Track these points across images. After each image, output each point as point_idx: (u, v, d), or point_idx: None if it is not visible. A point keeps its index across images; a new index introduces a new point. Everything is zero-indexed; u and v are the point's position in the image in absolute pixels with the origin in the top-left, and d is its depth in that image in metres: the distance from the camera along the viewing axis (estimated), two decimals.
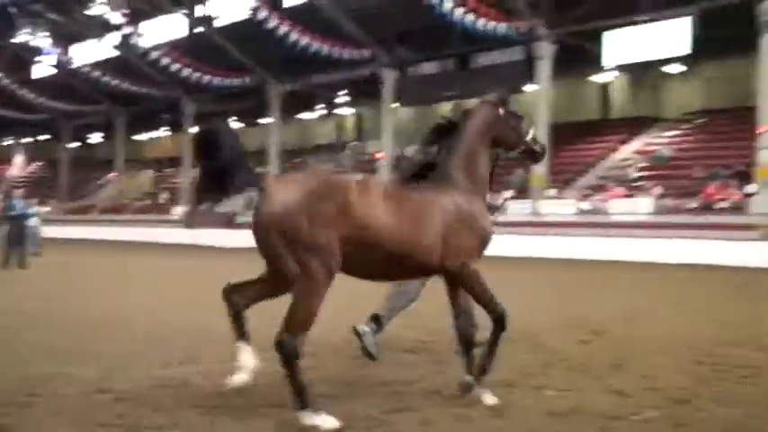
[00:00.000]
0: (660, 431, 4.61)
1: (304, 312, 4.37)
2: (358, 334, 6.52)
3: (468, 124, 5.33)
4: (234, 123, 49.71)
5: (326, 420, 4.38)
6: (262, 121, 44.31)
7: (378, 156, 37.72)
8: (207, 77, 37.79)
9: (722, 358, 6.77)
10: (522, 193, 30.70)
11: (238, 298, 4.84)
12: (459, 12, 27.74)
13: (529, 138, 5.58)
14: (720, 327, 8.75)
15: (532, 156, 5.67)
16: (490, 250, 5.15)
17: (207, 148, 4.47)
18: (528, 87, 33.77)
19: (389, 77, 36.34)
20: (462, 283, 5.04)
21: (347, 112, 46.83)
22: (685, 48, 27.67)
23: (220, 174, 4.43)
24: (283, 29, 31.55)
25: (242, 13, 34.69)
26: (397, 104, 38.08)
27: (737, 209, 23.75)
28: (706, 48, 27.86)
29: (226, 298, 4.86)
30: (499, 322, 5.07)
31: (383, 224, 4.57)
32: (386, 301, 6.75)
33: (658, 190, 26.35)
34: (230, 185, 4.42)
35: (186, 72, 37.53)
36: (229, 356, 5.15)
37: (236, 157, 4.46)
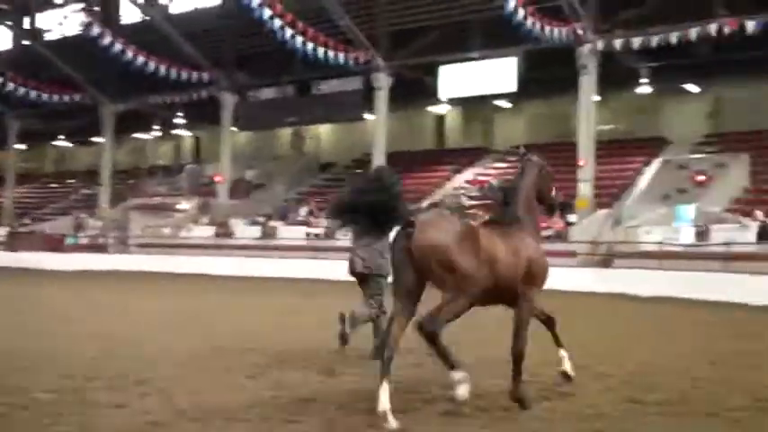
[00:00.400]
0: None
1: (449, 314, 5.41)
2: (343, 320, 7.98)
3: (527, 178, 6.51)
4: (62, 141, 47.57)
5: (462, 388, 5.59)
6: (94, 139, 42.59)
7: (216, 179, 37.09)
8: (33, 93, 35.81)
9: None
10: None
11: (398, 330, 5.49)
12: (299, 40, 27.93)
13: (553, 194, 6.80)
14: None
15: (551, 210, 6.95)
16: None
17: (379, 187, 5.52)
18: (367, 116, 34.43)
19: (229, 101, 35.99)
20: (521, 308, 5.83)
21: (185, 133, 45.89)
22: (512, 85, 29.19)
23: (387, 211, 5.36)
24: (118, 46, 30.51)
25: (74, 29, 33.29)
26: (236, 128, 37.72)
27: (559, 237, 25.14)
28: (531, 86, 29.53)
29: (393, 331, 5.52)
30: (517, 359, 5.75)
31: (500, 258, 5.63)
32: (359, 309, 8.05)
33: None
34: (394, 223, 5.43)
35: (10, 86, 35.42)
36: None
37: (400, 198, 5.52)
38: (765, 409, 5.87)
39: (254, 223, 32.76)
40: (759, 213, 22.29)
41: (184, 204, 37.72)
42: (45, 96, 36.27)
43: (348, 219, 5.66)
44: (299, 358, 8.03)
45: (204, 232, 32.72)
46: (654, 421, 5.47)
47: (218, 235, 32.29)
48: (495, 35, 28.52)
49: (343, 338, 8.04)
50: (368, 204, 5.35)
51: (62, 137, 46.84)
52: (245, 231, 31.70)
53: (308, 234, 30.02)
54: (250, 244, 29.98)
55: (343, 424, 5.26)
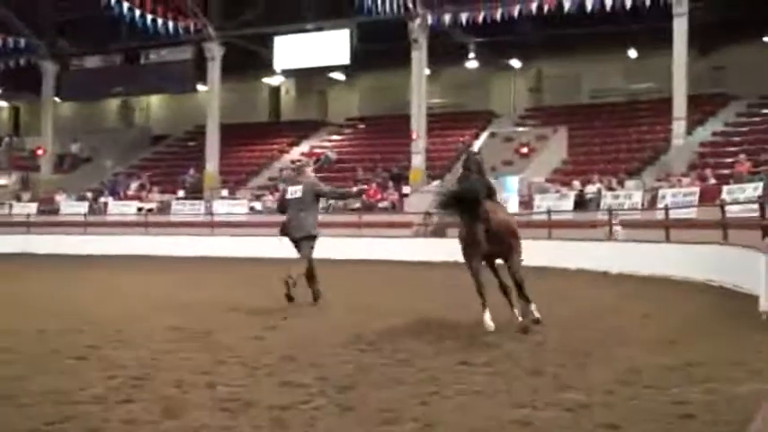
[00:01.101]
0: (328, 417, 4.82)
1: (520, 265, 8.25)
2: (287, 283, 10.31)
3: (482, 167, 8.80)
4: None
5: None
6: None
7: (39, 152, 34.96)
8: None
9: (384, 345, 7.27)
10: (196, 192, 30.42)
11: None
12: (125, 6, 26.69)
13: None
14: (383, 316, 9.34)
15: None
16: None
17: (472, 187, 8.31)
18: (200, 87, 33.51)
19: (50, 69, 33.98)
20: (515, 258, 8.30)
21: (2, 104, 42.92)
22: (346, 57, 29.29)
23: (477, 203, 7.99)
24: None
25: None
26: (59, 99, 35.70)
27: (394, 208, 25.66)
28: (365, 59, 29.75)
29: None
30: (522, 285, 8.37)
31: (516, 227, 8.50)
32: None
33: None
34: (479, 211, 8.00)
35: None
36: None
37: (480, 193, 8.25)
38: (582, 365, 6.23)
39: (82, 198, 31.24)
40: (576, 183, 23.65)
41: (3, 180, 35.44)
42: None
43: (453, 210, 8.32)
44: (133, 337, 7.78)
45: (26, 209, 30.81)
46: (483, 380, 5.65)
47: (41, 212, 30.55)
48: (329, 6, 28.49)
49: (290, 298, 10.34)
50: (468, 200, 8.00)
51: None
52: (71, 207, 30.16)
53: (139, 209, 28.97)
54: (77, 221, 28.57)
55: (181, 401, 5.12)
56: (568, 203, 22.49)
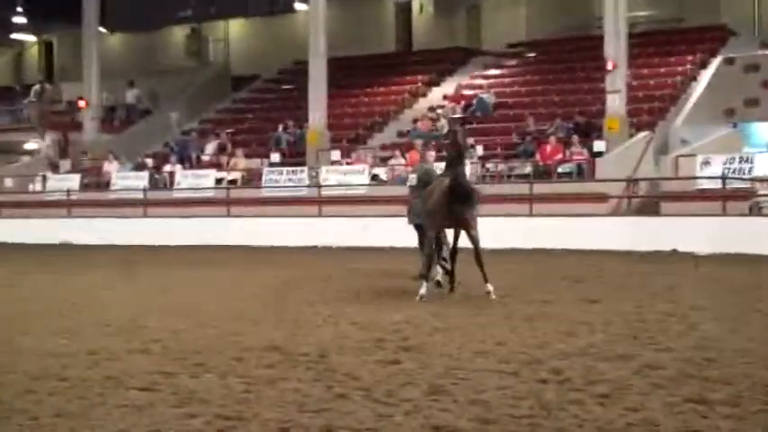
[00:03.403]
0: None
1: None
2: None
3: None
4: None
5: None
6: None
7: (79, 104, 36.41)
8: None
9: (574, 373, 7.22)
10: (296, 156, 30.94)
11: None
12: None
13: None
14: (567, 330, 9.32)
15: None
16: None
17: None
18: (298, 6, 34.00)
19: None
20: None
21: (29, 38, 45.04)
22: None
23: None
24: None
25: None
26: (105, 30, 37.04)
27: (580, 174, 25.27)
28: None
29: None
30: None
31: None
32: None
33: (479, 149, 27.45)
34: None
35: None
36: None
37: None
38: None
39: (140, 167, 32.39)
40: None
41: (33, 143, 37.18)
42: None
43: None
44: (218, 360, 8.04)
45: (65, 183, 32.23)
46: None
47: (86, 187, 31.88)
48: None
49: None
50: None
51: None
52: (125, 180, 31.34)
53: (219, 181, 29.78)
54: (134, 198, 29.66)
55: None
56: None
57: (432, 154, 16.10)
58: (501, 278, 13.34)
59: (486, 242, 12.89)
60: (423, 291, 12.36)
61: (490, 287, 12.29)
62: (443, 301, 12.27)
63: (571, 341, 8.82)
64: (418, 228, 14.27)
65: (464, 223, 12.72)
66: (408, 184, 15.05)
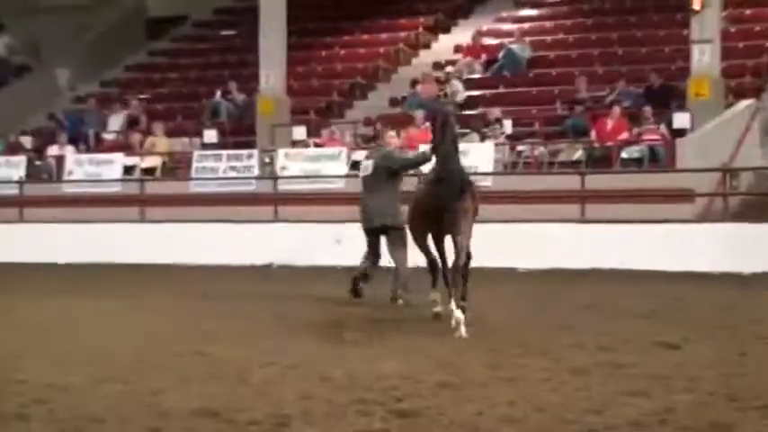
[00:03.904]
0: None
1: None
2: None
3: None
4: None
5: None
6: None
7: None
8: None
9: None
10: (239, 135, 30.94)
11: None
12: None
13: None
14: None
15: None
16: None
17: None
18: None
19: None
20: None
21: None
22: None
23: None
24: None
25: None
26: None
27: (654, 161, 25.20)
28: None
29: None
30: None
31: None
32: None
33: (507, 124, 27.34)
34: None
35: None
36: None
37: None
38: None
39: (14, 149, 32.31)
40: None
41: None
42: None
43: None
44: None
45: None
46: None
47: None
48: None
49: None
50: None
51: None
52: None
53: (128, 170, 29.71)
54: (5, 195, 29.60)
55: None
56: None
57: (392, 134, 17.68)
58: (536, 312, 13.36)
59: (509, 259, 12.86)
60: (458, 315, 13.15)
61: (458, 313, 13.12)
62: (454, 345, 12.25)
63: (641, 404, 8.82)
64: (383, 231, 16.19)
65: (451, 219, 13.82)
66: (361, 173, 16.72)
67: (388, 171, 16.19)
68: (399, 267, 16.28)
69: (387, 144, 17.05)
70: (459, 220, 13.63)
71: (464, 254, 13.73)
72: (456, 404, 8.92)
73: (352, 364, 10.90)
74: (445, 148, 13.96)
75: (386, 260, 16.56)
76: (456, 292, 13.46)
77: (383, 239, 16.39)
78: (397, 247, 16.21)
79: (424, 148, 17.61)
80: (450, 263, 14.04)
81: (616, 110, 25.83)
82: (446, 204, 13.74)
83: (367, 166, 16.42)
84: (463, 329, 12.78)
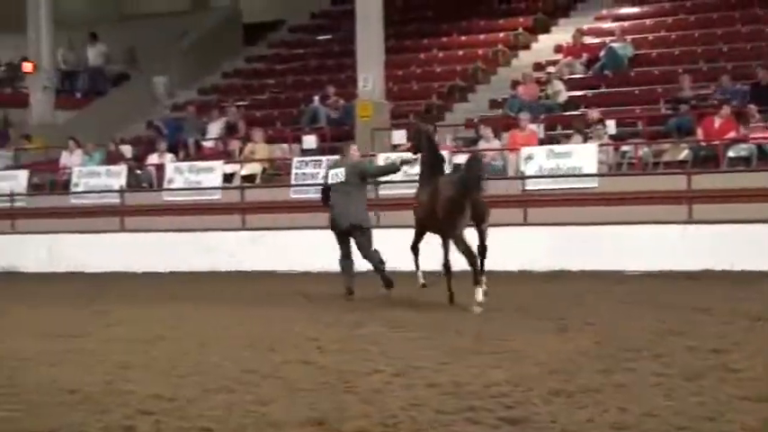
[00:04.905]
0: None
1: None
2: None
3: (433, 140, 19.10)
4: None
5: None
6: None
7: (24, 67, 36.71)
8: None
9: None
10: (330, 141, 30.99)
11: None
12: None
13: None
14: None
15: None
16: None
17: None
18: None
19: None
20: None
21: None
22: None
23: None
24: None
25: None
26: None
27: (762, 159, 24.94)
28: None
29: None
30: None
31: None
32: None
33: (611, 125, 27.15)
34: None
35: None
36: None
37: None
38: None
39: (114, 158, 32.51)
40: None
41: None
42: None
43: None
44: None
45: (5, 183, 32.37)
46: None
47: (36, 188, 32.16)
48: None
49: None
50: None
51: None
52: (92, 177, 31.45)
53: (229, 177, 29.86)
54: (105, 204, 29.85)
55: None
56: None
57: (355, 148, 19.92)
58: (647, 315, 13.21)
59: (617, 261, 12.68)
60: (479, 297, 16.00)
61: (480, 295, 16.01)
62: (564, 351, 12.12)
63: (757, 410, 8.65)
64: (353, 231, 18.47)
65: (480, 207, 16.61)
66: (331, 180, 18.84)
67: (361, 177, 18.84)
68: (377, 266, 18.63)
69: (351, 157, 19.17)
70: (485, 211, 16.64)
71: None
72: (567, 411, 8.86)
73: (459, 371, 10.85)
74: (433, 157, 17.53)
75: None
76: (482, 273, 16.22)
77: (352, 240, 18.56)
78: (366, 247, 18.49)
79: (395, 157, 21.61)
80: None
81: (726, 109, 25.55)
82: (475, 198, 16.48)
83: (337, 173, 18.72)
84: (477, 306, 15.71)
